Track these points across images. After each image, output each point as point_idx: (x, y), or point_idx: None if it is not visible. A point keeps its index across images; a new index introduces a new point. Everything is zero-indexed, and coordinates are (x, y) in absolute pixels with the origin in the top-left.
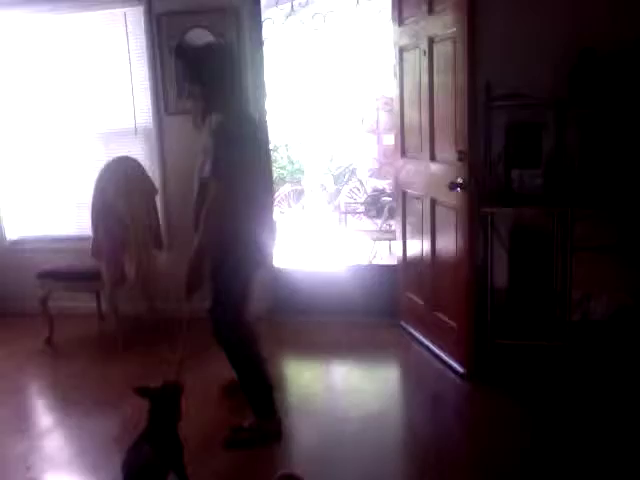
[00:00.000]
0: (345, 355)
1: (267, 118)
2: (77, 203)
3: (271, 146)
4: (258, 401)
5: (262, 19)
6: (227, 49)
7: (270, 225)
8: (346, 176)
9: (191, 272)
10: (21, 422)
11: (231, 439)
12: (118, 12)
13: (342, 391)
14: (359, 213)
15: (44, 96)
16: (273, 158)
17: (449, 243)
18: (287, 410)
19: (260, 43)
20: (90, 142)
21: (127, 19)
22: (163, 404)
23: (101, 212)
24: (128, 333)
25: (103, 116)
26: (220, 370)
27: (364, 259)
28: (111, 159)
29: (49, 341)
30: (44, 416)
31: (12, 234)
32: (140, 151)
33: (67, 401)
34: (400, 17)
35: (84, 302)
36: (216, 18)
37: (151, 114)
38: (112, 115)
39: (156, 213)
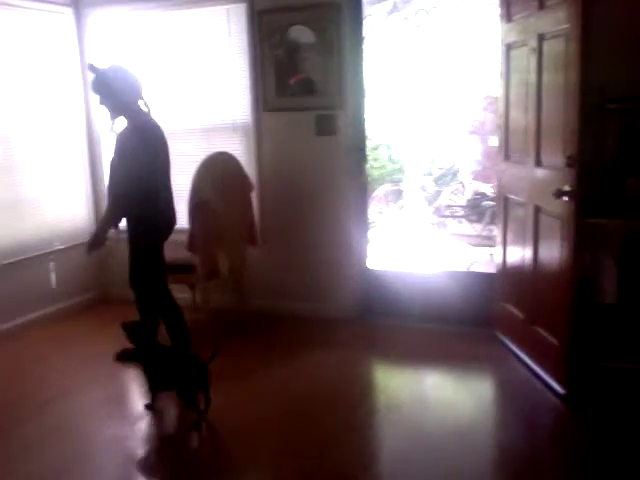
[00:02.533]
0: (436, 364)
1: (364, 116)
2: (177, 196)
3: (371, 144)
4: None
5: (363, 15)
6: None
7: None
8: (447, 178)
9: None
10: (118, 405)
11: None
12: (221, 9)
13: (431, 402)
14: (459, 217)
15: (149, 90)
16: (374, 157)
17: (552, 254)
18: (374, 417)
19: (360, 40)
20: (192, 137)
21: (229, 16)
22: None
23: (197, 206)
24: (220, 325)
25: (205, 112)
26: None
27: (462, 265)
28: (209, 154)
29: None
30: (138, 401)
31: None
32: (238, 147)
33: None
34: (508, 13)
35: (180, 292)
36: (316, 14)
37: (249, 110)
38: (213, 111)
39: (251, 209)
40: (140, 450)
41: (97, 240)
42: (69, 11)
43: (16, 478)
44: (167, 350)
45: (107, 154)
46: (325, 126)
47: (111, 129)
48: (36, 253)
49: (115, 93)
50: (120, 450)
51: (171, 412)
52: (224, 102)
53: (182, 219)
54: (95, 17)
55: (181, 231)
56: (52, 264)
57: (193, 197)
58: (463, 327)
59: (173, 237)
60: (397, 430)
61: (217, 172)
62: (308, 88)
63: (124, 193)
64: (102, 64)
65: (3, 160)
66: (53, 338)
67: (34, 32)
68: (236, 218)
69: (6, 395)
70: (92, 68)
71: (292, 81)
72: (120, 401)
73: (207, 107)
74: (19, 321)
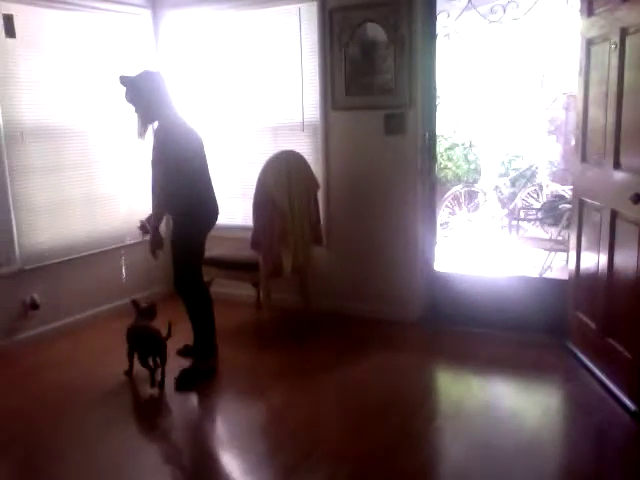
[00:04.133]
0: (503, 373)
1: (435, 115)
2: (244, 193)
3: (446, 144)
4: (203, 342)
5: (437, 12)
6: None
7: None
8: (524, 179)
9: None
10: (182, 397)
11: (180, 381)
12: (293, 8)
13: (494, 412)
14: (534, 220)
15: (220, 89)
16: (448, 156)
17: (628, 262)
18: (433, 424)
19: (433, 37)
20: (261, 135)
21: (301, 14)
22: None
23: (262, 204)
24: (282, 324)
25: (274, 110)
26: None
27: (534, 270)
28: (276, 152)
29: None
30: (201, 395)
31: None
32: (306, 146)
33: (218, 385)
34: (589, 7)
35: (245, 290)
36: (388, 12)
37: (318, 109)
38: (282, 109)
39: (317, 208)
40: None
41: (154, 240)
42: (147, 12)
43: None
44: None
45: None
46: (394, 125)
47: (139, 135)
48: (109, 247)
49: (147, 99)
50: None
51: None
52: (293, 101)
53: (247, 216)
54: (170, 18)
55: (245, 228)
56: (123, 258)
57: (258, 195)
58: (532, 335)
59: (240, 233)
60: (457, 440)
61: (283, 170)
62: (378, 87)
63: (162, 189)
64: (131, 72)
65: (81, 157)
66: (123, 330)
67: (112, 33)
68: (301, 217)
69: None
70: (122, 79)
71: (362, 79)
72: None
73: (276, 106)
74: (92, 312)
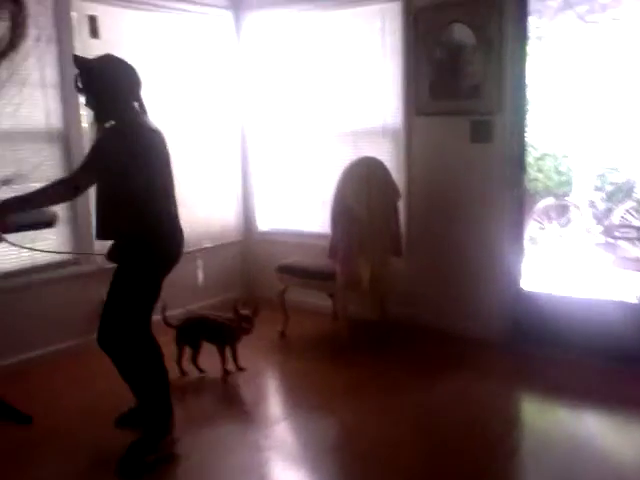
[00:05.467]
0: (595, 405)
1: (526, 123)
2: (321, 201)
3: (536, 154)
4: (154, 415)
5: (529, 13)
6: (123, 63)
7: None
8: (621, 194)
9: None
10: (255, 408)
11: (123, 465)
12: (375, 8)
13: (586, 449)
14: (633, 239)
15: (299, 92)
16: (538, 167)
17: None
18: (515, 460)
19: (524, 39)
20: (340, 140)
21: (384, 15)
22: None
23: (339, 212)
24: (358, 337)
25: (353, 115)
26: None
27: (632, 294)
28: (355, 159)
29: (283, 334)
30: (273, 407)
31: (263, 225)
32: (387, 152)
33: (292, 396)
34: None
35: (320, 299)
36: (476, 12)
37: (400, 114)
38: (362, 114)
39: (397, 218)
40: None
41: None
42: (229, 14)
43: None
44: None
45: (257, 156)
46: (481, 133)
47: (94, 135)
48: (185, 250)
49: (100, 91)
50: None
51: None
52: (374, 105)
53: (325, 224)
54: (252, 19)
55: (323, 236)
56: (199, 262)
57: (336, 203)
58: (630, 365)
59: (317, 241)
60: (542, 477)
61: (363, 178)
62: (464, 91)
63: (100, 199)
64: (90, 56)
65: None
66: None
67: (194, 35)
68: (380, 226)
69: None
70: (77, 60)
71: (447, 84)
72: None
73: (356, 110)
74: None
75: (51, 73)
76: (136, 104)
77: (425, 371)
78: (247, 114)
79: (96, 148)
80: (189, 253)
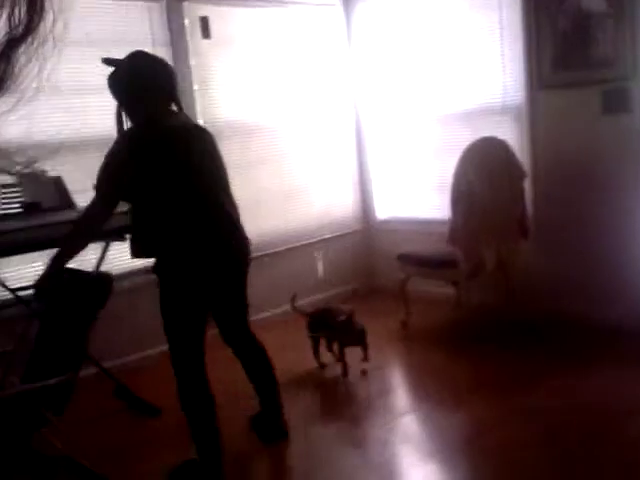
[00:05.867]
0: None
1: None
2: (440, 185)
3: None
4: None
5: None
6: (149, 59)
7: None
8: None
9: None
10: (379, 402)
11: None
12: None
13: None
14: None
15: (412, 76)
16: None
17: None
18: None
19: None
20: (457, 122)
21: None
22: None
23: (460, 196)
24: (483, 327)
25: (469, 94)
26: None
27: None
28: (474, 140)
29: (405, 324)
30: (397, 400)
31: (382, 213)
32: (508, 131)
33: (416, 389)
34: None
35: (441, 287)
36: None
37: (522, 89)
38: (479, 93)
39: (522, 199)
40: None
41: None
42: (338, 4)
43: None
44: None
45: (373, 143)
46: (615, 102)
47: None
48: (304, 242)
49: (124, 91)
50: None
51: None
52: (492, 83)
53: (444, 209)
54: (362, 9)
55: (441, 222)
56: (319, 253)
57: (455, 186)
58: None
59: (436, 227)
60: None
61: (483, 159)
62: (593, 60)
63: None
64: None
65: (273, 152)
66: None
67: (303, 28)
68: (505, 209)
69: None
70: (104, 62)
71: (573, 54)
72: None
73: (472, 89)
74: (285, 309)
75: None
76: (169, 102)
77: (558, 363)
78: (361, 102)
79: (101, 169)
80: (308, 245)
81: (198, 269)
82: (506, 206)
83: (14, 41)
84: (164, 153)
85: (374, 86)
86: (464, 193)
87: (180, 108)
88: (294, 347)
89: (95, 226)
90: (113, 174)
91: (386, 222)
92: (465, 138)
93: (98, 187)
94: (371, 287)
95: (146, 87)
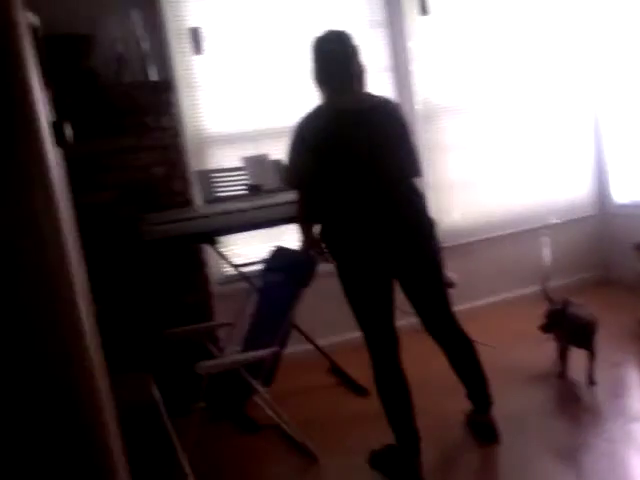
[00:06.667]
0: None
1: None
2: None
3: None
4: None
5: None
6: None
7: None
8: None
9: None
10: (612, 403)
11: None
12: None
13: None
14: None
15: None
16: None
17: None
18: None
19: None
20: None
21: None
22: None
23: None
24: None
25: None
26: None
27: None
28: None
29: None
30: (633, 402)
31: (621, 197)
32: None
33: None
34: None
35: None
36: None
37: None
38: None
39: None
40: None
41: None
42: None
43: None
44: None
45: (611, 120)
46: None
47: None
48: (528, 227)
49: (313, 70)
50: None
51: None
52: None
53: None
54: None
55: None
56: (546, 239)
57: None
58: None
59: None
60: None
61: None
62: None
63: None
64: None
65: (491, 134)
66: (534, 318)
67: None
68: None
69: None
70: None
71: None
72: None
73: None
74: (503, 296)
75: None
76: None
77: None
78: (600, 83)
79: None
80: (533, 230)
81: (350, 232)
82: None
83: None
84: (315, 139)
85: (613, 60)
86: None
87: (344, 88)
88: (522, 336)
89: (304, 208)
90: (290, 163)
91: (626, 207)
92: None
93: (284, 178)
94: (604, 278)
95: (319, 78)
